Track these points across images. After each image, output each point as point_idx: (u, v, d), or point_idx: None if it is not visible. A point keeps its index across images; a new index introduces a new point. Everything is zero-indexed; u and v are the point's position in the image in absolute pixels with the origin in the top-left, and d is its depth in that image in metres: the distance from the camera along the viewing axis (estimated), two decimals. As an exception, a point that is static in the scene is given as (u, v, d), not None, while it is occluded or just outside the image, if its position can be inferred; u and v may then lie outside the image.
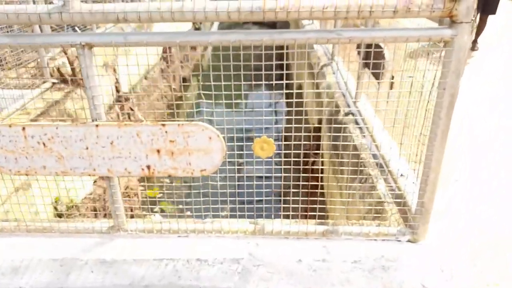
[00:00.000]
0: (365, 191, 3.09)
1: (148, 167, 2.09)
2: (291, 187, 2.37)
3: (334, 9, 1.71)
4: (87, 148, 2.05)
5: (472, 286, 2.02)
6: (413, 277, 2.06)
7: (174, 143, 2.02)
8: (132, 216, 6.94)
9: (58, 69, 5.13)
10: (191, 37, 1.82)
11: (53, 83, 5.11)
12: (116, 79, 8.26)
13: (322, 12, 1.71)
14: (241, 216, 2.36)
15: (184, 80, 13.32)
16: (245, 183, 2.27)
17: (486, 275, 2.08)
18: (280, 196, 2.68)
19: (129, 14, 1.75)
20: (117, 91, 8.46)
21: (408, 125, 2.38)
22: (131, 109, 9.55)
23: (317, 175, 2.39)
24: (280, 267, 2.14)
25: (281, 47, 1.86)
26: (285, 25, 13.47)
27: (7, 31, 5.04)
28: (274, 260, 2.18)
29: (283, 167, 2.35)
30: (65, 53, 5.14)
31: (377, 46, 1.94)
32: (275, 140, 2.07)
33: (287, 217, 2.37)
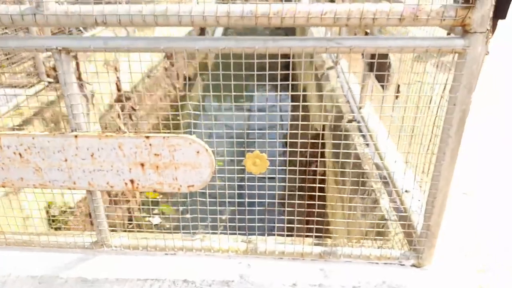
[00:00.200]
0: (367, 205, 2.92)
1: (132, 181, 1.94)
2: (285, 199, 2.21)
3: (334, 15, 1.54)
4: (66, 160, 1.91)
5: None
6: (417, 307, 1.89)
7: (159, 156, 1.87)
8: (130, 219, 6.83)
9: (54, 69, 4.98)
10: (175, 43, 1.66)
11: (49, 83, 4.98)
12: (117, 77, 8.11)
13: (320, 18, 1.54)
14: (239, 225, 2.19)
15: (189, 79, 13.17)
16: (246, 186, 2.09)
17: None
18: (278, 207, 2.50)
19: (109, 17, 1.60)
20: (118, 90, 8.33)
21: (415, 134, 2.21)
22: (133, 109, 9.42)
23: (318, 185, 2.20)
24: (272, 292, 1.98)
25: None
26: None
27: (4, 33, 4.92)
28: (266, 284, 2.02)
29: (282, 176, 2.18)
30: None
31: (383, 55, 1.78)
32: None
33: (284, 229, 2.20)
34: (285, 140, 3.22)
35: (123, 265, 2.14)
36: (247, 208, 2.17)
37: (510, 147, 3.54)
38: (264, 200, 2.13)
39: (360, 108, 4.31)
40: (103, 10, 1.59)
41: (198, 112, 2.20)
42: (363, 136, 3.85)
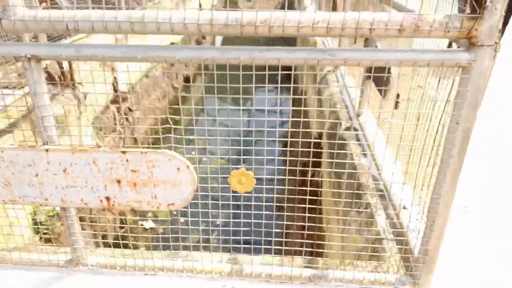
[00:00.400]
0: (363, 221, 2.78)
1: (108, 198, 1.80)
2: (273, 211, 2.07)
3: (327, 25, 1.40)
4: (36, 175, 1.77)
5: None
6: None
7: (136, 173, 1.73)
8: (123, 221, 6.65)
9: (46, 69, 4.85)
10: (154, 52, 1.52)
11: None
12: (115, 77, 7.95)
13: (312, 28, 1.40)
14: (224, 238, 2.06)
15: (188, 80, 13.00)
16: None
17: None
18: (269, 219, 2.36)
19: (81, 24, 1.46)
20: (115, 90, 8.17)
21: (414, 150, 2.06)
22: (130, 109, 9.27)
23: (310, 197, 2.06)
24: (258, 320, 1.84)
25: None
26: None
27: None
28: (251, 310, 1.89)
29: (277, 186, 2.04)
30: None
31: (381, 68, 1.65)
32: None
33: (272, 244, 2.06)
34: (285, 148, 3.08)
35: (99, 285, 2.00)
36: (231, 220, 2.03)
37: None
38: (250, 212, 1.99)
39: (358, 115, 4.17)
40: (75, 16, 1.45)
41: (196, 117, 2.06)
42: (360, 145, 3.71)
